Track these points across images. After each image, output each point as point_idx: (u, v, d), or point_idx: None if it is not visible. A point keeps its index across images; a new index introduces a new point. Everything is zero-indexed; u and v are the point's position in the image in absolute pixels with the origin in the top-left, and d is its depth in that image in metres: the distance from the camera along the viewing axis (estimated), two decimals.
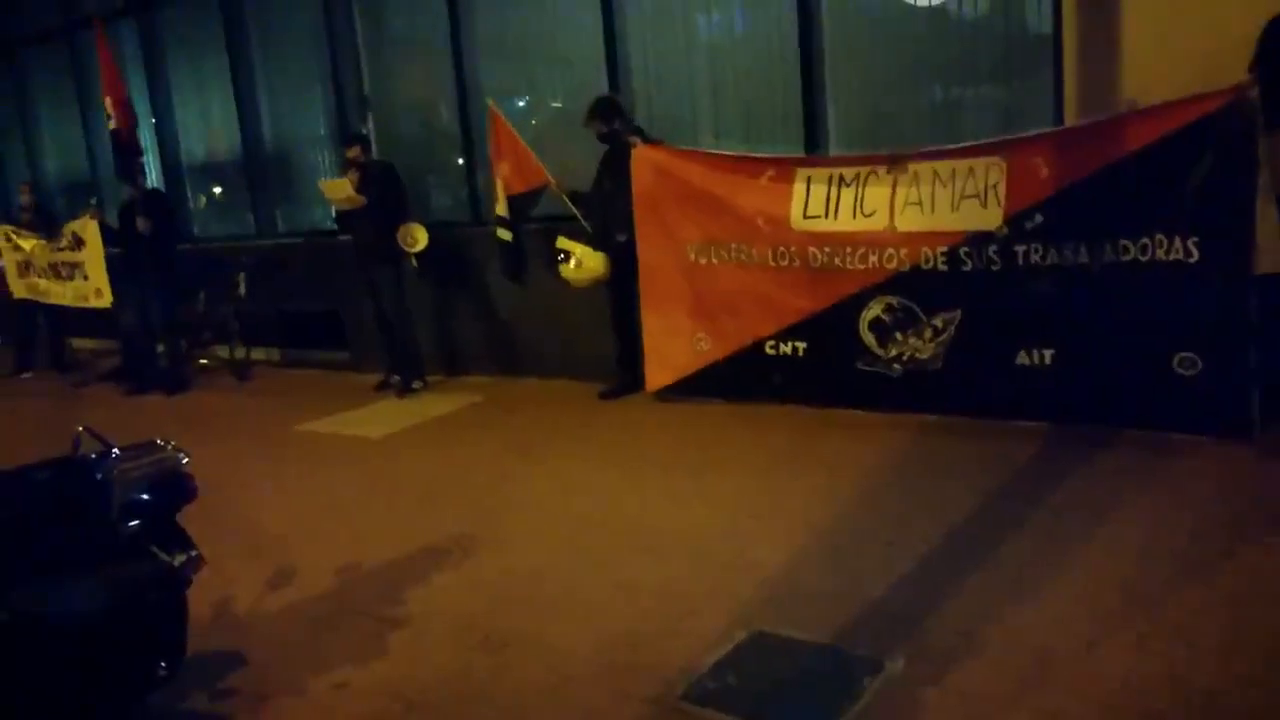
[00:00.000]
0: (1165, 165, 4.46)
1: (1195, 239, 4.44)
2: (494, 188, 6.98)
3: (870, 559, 3.70)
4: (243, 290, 8.51)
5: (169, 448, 2.85)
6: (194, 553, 2.79)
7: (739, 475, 4.80)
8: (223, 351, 8.76)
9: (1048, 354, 4.87)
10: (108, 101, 8.05)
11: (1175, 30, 4.76)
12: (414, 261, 7.20)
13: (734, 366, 5.89)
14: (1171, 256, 4.49)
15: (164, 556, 2.71)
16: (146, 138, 10.24)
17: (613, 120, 6.26)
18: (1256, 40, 4.29)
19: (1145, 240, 4.54)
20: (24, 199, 9.58)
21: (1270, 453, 4.31)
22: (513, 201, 6.79)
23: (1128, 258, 4.60)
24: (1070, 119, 5.16)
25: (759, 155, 5.79)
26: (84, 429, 2.84)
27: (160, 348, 8.36)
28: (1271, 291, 4.32)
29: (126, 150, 8.00)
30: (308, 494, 5.25)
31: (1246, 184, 4.27)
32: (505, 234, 6.88)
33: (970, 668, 2.90)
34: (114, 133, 8.03)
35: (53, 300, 8.92)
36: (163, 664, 2.72)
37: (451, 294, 7.66)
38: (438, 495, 4.99)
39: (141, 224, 7.85)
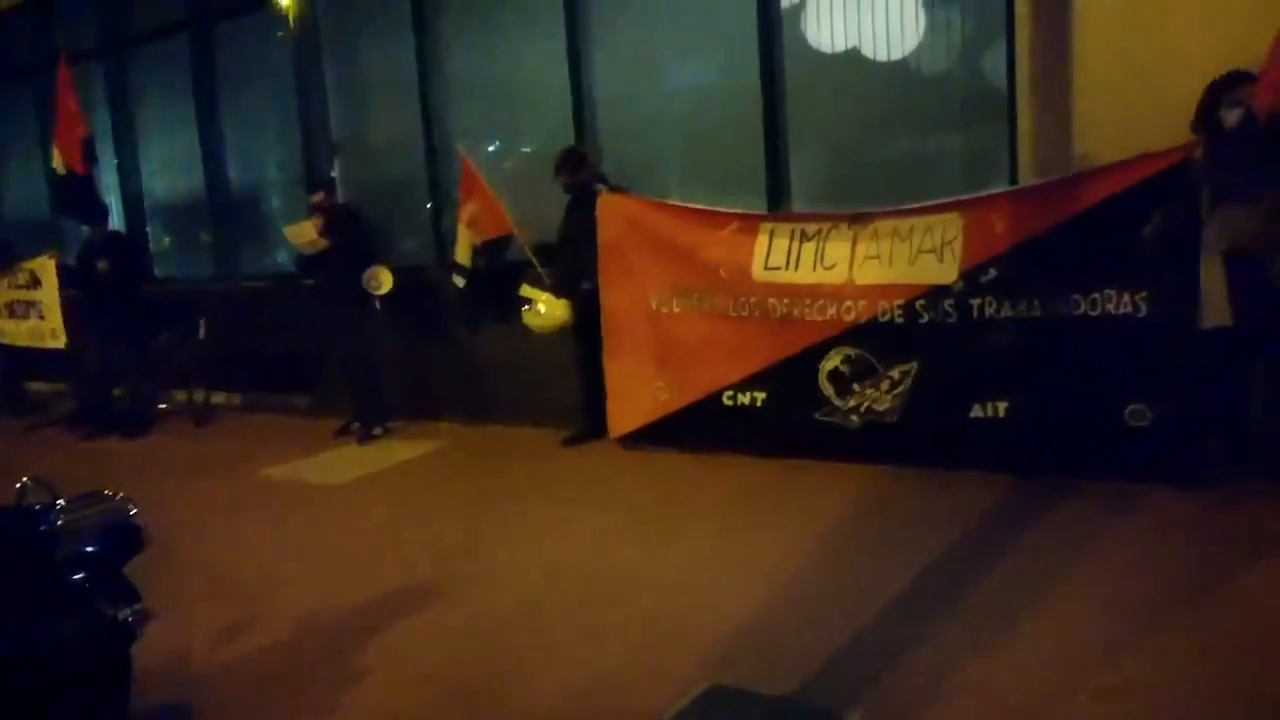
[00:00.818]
0: (1115, 222, 4.57)
1: (1144, 293, 4.55)
2: (455, 233, 7.01)
3: (830, 609, 3.70)
4: (203, 333, 8.43)
5: (117, 498, 2.81)
6: (139, 606, 2.73)
7: (701, 524, 4.80)
8: (182, 395, 8.66)
9: (1001, 406, 4.94)
10: (57, 146, 8.06)
11: (1124, 90, 4.91)
12: (379, 304, 7.19)
13: (694, 415, 5.91)
14: (1121, 310, 4.60)
15: (109, 610, 2.66)
16: (110, 178, 10.24)
17: (579, 171, 6.33)
18: (1198, 103, 4.43)
19: (1096, 295, 4.64)
20: None
21: (1219, 503, 4.38)
22: (476, 248, 6.83)
23: (1079, 311, 4.70)
24: (1024, 172, 5.29)
25: (723, 209, 5.86)
26: (29, 478, 2.79)
27: (118, 391, 8.23)
28: (1217, 345, 4.41)
29: (82, 191, 7.98)
30: (266, 541, 5.18)
31: (1192, 240, 4.38)
32: (460, 280, 6.92)
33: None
34: (66, 176, 8.02)
35: (6, 340, 8.77)
36: None
37: (415, 339, 7.64)
38: (400, 543, 4.94)
39: (101, 265, 7.78)
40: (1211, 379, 4.46)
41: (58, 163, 8.26)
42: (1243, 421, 4.57)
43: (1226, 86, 4.33)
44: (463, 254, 6.92)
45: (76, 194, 8.18)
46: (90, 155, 8.22)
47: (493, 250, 6.87)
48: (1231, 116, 4.30)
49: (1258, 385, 4.52)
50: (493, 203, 6.75)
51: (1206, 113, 4.39)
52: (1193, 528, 4.20)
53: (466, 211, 6.90)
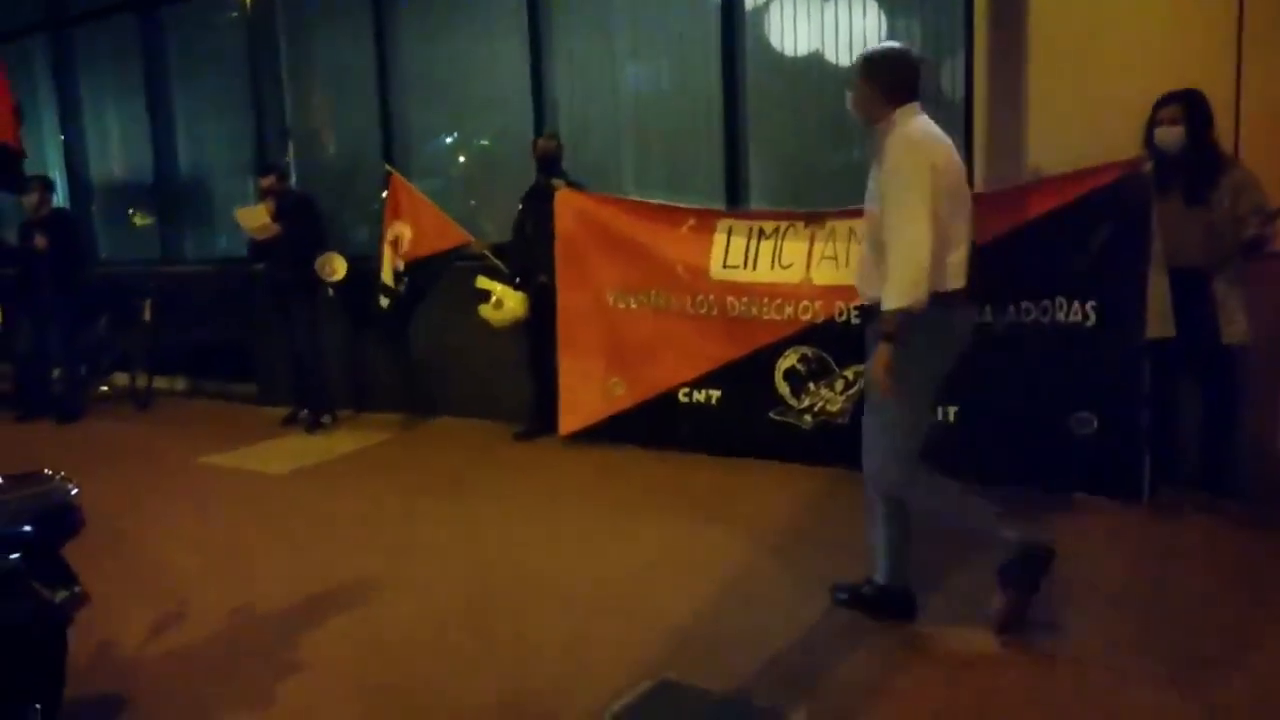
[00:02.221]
0: (1066, 232, 4.65)
1: (1093, 303, 4.63)
2: (380, 254, 7.01)
3: (776, 609, 3.72)
4: (148, 316, 8.25)
5: (57, 478, 2.73)
6: (77, 589, 2.67)
7: (650, 522, 4.79)
8: (123, 379, 8.45)
9: (951, 411, 5.00)
10: None
11: (1078, 104, 5.01)
12: (331, 291, 7.10)
13: (648, 412, 5.91)
14: (1070, 319, 4.68)
15: (45, 592, 2.58)
16: (54, 155, 9.96)
17: (560, 149, 6.28)
18: (1147, 118, 4.53)
19: (1046, 302, 4.73)
20: None
21: (1159, 515, 4.49)
22: (417, 264, 6.81)
23: (1029, 318, 4.77)
24: (978, 182, 5.36)
25: (681, 205, 5.87)
26: None
27: (56, 373, 8.01)
28: (1165, 357, 4.51)
29: (8, 160, 7.74)
30: (205, 530, 5.07)
31: (1140, 253, 4.47)
32: (385, 300, 6.97)
33: None
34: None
35: None
36: (37, 706, 2.57)
37: (365, 329, 7.54)
38: (341, 535, 4.86)
39: (40, 241, 7.57)
40: (1154, 390, 4.55)
41: None
42: (1182, 433, 4.67)
43: (1162, 104, 4.45)
44: (387, 274, 6.92)
45: (6, 163, 7.93)
46: (19, 123, 7.97)
47: (439, 262, 6.83)
48: (1168, 134, 4.41)
49: (1196, 398, 4.62)
50: (434, 216, 6.73)
51: (1148, 130, 4.50)
52: (1131, 539, 4.29)
53: (392, 231, 6.90)
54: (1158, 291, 4.43)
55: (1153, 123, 4.46)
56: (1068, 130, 5.03)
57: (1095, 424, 4.66)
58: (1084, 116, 4.97)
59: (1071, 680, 3.10)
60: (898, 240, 3.15)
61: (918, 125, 3.29)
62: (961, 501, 3.38)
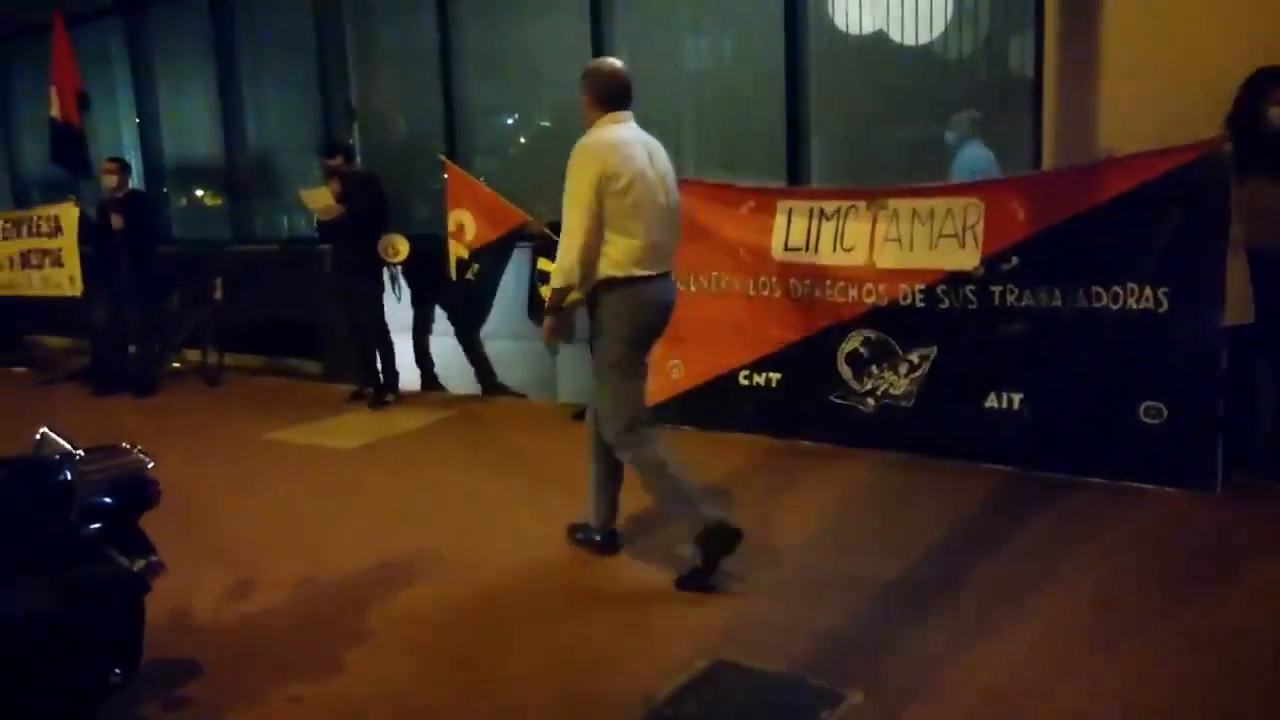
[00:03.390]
0: (1139, 215, 4.53)
1: (1166, 289, 4.50)
2: (446, 246, 7.03)
3: (834, 591, 3.71)
4: (219, 295, 8.45)
5: (134, 451, 2.83)
6: (154, 558, 2.76)
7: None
8: (195, 355, 8.68)
9: (1017, 398, 4.91)
10: (53, 90, 8.08)
11: (1153, 81, 4.86)
12: (394, 272, 7.19)
13: (707, 394, 5.90)
14: (1142, 305, 4.56)
15: (123, 561, 2.68)
16: (129, 137, 10.24)
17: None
18: (1234, 96, 4.38)
19: (1117, 288, 4.61)
20: None
21: (1231, 503, 4.37)
22: (485, 249, 6.83)
23: (1099, 304, 4.66)
24: (1048, 162, 5.25)
25: (740, 185, 5.83)
26: (47, 429, 2.81)
27: (132, 349, 8.27)
28: (1238, 343, 4.38)
29: (71, 140, 8.02)
30: (273, 503, 5.20)
31: (1218, 236, 4.34)
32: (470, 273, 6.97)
33: (926, 705, 2.91)
34: (58, 123, 8.06)
35: (17, 292, 8.73)
36: (117, 670, 2.67)
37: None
38: (405, 510, 4.96)
39: (116, 221, 7.79)
40: (1230, 378, 4.42)
41: (55, 111, 8.30)
42: (1258, 422, 4.54)
43: (1274, 84, 4.27)
44: (450, 266, 6.95)
45: (68, 144, 8.20)
46: (84, 107, 8.23)
47: (500, 246, 6.85)
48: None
49: (1275, 384, 4.48)
50: (493, 200, 6.75)
51: (1243, 108, 4.34)
52: (1201, 528, 4.19)
53: (453, 220, 6.92)
54: (1237, 276, 4.30)
55: (1266, 100, 4.29)
56: (1144, 108, 4.88)
57: (1166, 413, 4.54)
58: (1162, 94, 4.81)
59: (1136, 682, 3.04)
60: (563, 231, 3.77)
61: (605, 133, 3.78)
62: (664, 477, 3.80)
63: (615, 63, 4.01)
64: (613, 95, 3.86)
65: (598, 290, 3.82)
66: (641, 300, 3.83)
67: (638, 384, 3.96)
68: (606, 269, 3.76)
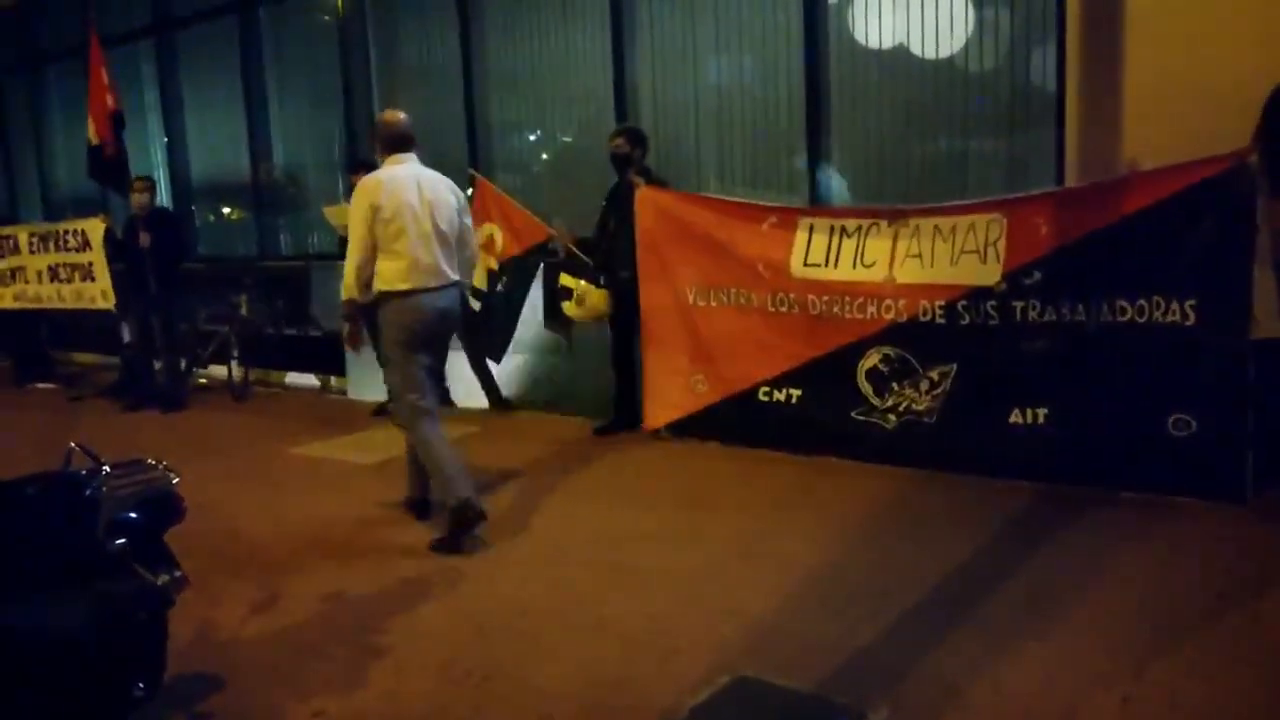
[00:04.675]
0: (1165, 228, 4.50)
1: (1193, 302, 4.46)
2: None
3: (857, 608, 3.68)
4: (245, 310, 8.54)
5: (160, 467, 2.85)
6: (179, 573, 2.78)
7: (729, 518, 4.79)
8: (221, 371, 8.77)
9: (1041, 413, 4.87)
10: (90, 116, 8.25)
11: (1178, 95, 4.81)
12: None
13: (729, 409, 5.90)
14: (1169, 319, 4.51)
15: (148, 576, 2.70)
16: (157, 155, 10.39)
17: (636, 148, 6.27)
18: (1261, 108, 4.34)
19: (1143, 301, 4.57)
20: None
21: (1263, 516, 4.30)
22: (511, 262, 6.84)
23: (1125, 318, 4.62)
24: (1071, 175, 5.21)
25: (762, 204, 5.84)
26: (75, 444, 2.84)
27: (159, 365, 8.36)
28: (1267, 356, 4.33)
29: (110, 163, 8.17)
30: (298, 517, 5.23)
31: (1245, 249, 4.30)
32: (475, 303, 6.99)
33: None
34: (97, 148, 8.21)
35: (45, 305, 8.82)
36: (141, 685, 2.69)
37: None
38: (426, 525, 4.97)
39: (144, 238, 7.89)
40: (1260, 391, 4.36)
41: (91, 133, 8.45)
42: None
43: None
44: (480, 278, 6.98)
45: (106, 163, 8.33)
46: (119, 127, 8.36)
47: (532, 260, 6.87)
48: None
49: None
50: (519, 214, 6.78)
51: (1269, 121, 4.29)
52: (1232, 542, 4.13)
53: (482, 234, 6.95)
54: (1265, 289, 4.25)
55: (1271, 114, 4.25)
56: (1169, 122, 4.83)
57: (1194, 426, 4.49)
58: (1187, 107, 4.76)
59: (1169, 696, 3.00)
60: (347, 253, 4.62)
61: (380, 172, 4.66)
62: (431, 453, 4.64)
63: (396, 114, 4.84)
64: (391, 141, 4.73)
65: (378, 301, 4.63)
66: (407, 309, 4.59)
67: (416, 374, 4.66)
68: (379, 285, 4.58)
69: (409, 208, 4.54)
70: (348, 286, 4.59)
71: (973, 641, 3.36)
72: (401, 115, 4.83)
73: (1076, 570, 3.90)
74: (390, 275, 4.56)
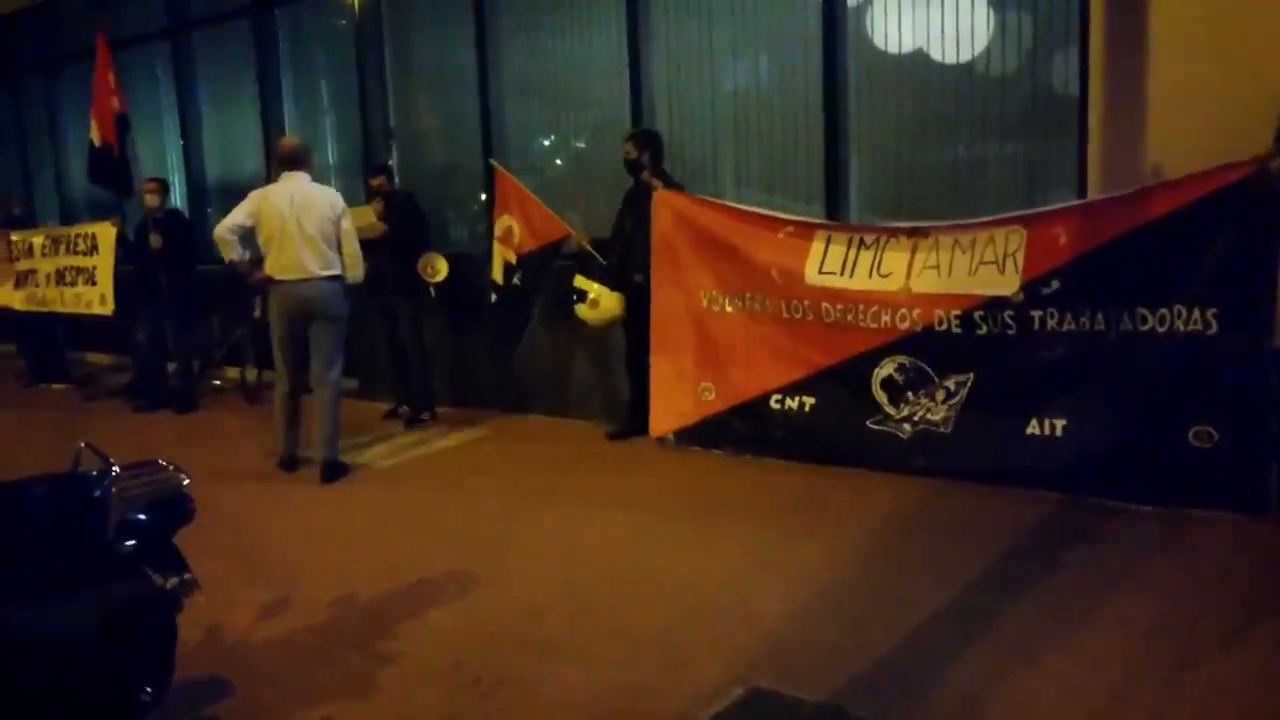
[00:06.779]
0: (1186, 236, 4.44)
1: (1214, 310, 4.40)
2: (491, 251, 7.04)
3: (873, 618, 3.64)
4: (258, 312, 8.52)
5: (170, 468, 2.83)
6: (188, 575, 2.75)
7: (743, 526, 4.74)
8: (234, 373, 8.77)
9: (1059, 424, 4.80)
10: (94, 118, 8.27)
11: (1204, 101, 4.74)
12: (433, 292, 7.22)
13: (739, 417, 5.85)
14: (1190, 328, 4.45)
15: (157, 578, 2.67)
16: (173, 158, 10.41)
17: (644, 151, 6.24)
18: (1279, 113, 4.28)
19: (1163, 310, 4.51)
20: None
21: None
22: (527, 258, 6.83)
23: (1145, 327, 4.56)
24: (1093, 181, 5.14)
25: (781, 215, 5.80)
26: (85, 445, 2.82)
27: (171, 366, 8.36)
28: None
29: (110, 162, 8.18)
30: (308, 520, 5.21)
31: (1267, 256, 4.24)
32: (494, 296, 6.99)
33: None
34: (99, 149, 8.24)
35: (51, 308, 8.79)
36: (148, 689, 2.67)
37: (465, 327, 7.66)
38: (438, 529, 4.95)
39: (155, 240, 7.89)
40: None
41: (95, 135, 8.47)
42: None
43: None
44: (497, 271, 6.95)
45: (109, 166, 8.34)
46: (123, 130, 8.37)
47: (538, 260, 6.84)
48: None
49: None
50: (539, 210, 6.75)
51: None
52: (1255, 554, 4.06)
53: (500, 226, 6.92)
54: None
55: None
56: (1194, 128, 4.75)
57: (1216, 437, 4.42)
58: (1213, 113, 4.68)
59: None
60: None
61: (270, 186, 5.97)
62: (278, 413, 6.17)
63: (290, 139, 6.19)
64: (281, 160, 5.98)
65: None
66: (276, 294, 5.90)
67: (282, 344, 6.00)
68: (265, 274, 5.87)
69: (279, 215, 5.76)
70: (225, 259, 5.98)
71: (991, 653, 3.31)
72: (293, 140, 6.13)
73: (1095, 582, 3.84)
74: (269, 267, 5.86)
